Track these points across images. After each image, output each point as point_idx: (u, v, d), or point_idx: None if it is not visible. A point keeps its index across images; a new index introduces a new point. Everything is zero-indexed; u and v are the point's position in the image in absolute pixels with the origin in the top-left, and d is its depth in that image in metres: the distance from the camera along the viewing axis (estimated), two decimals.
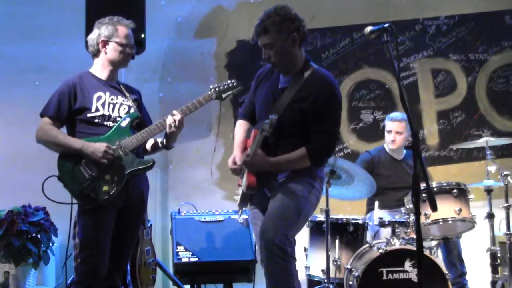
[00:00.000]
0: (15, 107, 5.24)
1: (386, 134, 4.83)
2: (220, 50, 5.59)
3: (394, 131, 4.74)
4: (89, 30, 3.49)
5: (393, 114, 4.84)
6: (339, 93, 3.09)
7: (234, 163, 3.14)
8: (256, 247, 3.29)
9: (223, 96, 3.37)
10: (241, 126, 3.32)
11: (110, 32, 3.31)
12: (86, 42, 3.43)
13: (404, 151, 4.85)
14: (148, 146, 3.48)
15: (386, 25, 2.69)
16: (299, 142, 3.01)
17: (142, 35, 4.63)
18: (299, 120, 3.02)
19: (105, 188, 3.16)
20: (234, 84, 3.40)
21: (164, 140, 3.38)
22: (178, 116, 3.25)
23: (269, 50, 3.04)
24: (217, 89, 3.36)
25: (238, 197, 3.20)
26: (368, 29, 2.77)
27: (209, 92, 3.35)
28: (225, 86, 3.37)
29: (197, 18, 5.63)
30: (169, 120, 3.25)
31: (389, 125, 4.78)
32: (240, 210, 3.39)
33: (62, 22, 5.24)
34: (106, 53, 3.33)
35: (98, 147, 3.15)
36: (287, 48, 3.03)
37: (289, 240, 2.96)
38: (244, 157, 3.03)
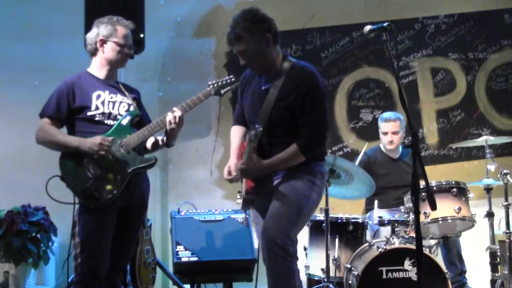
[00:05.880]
0: (15, 107, 5.24)
1: (381, 136, 4.80)
2: (220, 50, 5.59)
3: (390, 132, 4.72)
4: (88, 29, 3.48)
5: (386, 115, 4.82)
6: (322, 82, 3.08)
7: (229, 173, 3.13)
8: (258, 246, 3.30)
9: (222, 92, 3.37)
10: (236, 132, 3.31)
11: (109, 32, 3.31)
12: (85, 40, 3.43)
13: (400, 149, 4.84)
14: (149, 144, 3.47)
15: (385, 24, 2.70)
16: (292, 140, 3.01)
17: (141, 35, 4.62)
18: (288, 117, 3.02)
19: (109, 187, 3.16)
20: (233, 79, 3.40)
21: (165, 138, 3.38)
22: (178, 113, 3.25)
23: (245, 56, 3.03)
24: (215, 85, 3.36)
25: (240, 201, 3.21)
26: (368, 28, 2.77)
27: (208, 89, 3.35)
28: (224, 82, 3.38)
29: (197, 17, 5.64)
30: (169, 117, 3.25)
31: (384, 126, 4.76)
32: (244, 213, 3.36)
33: (61, 22, 5.24)
34: (103, 52, 3.33)
35: (93, 141, 3.15)
36: (262, 50, 3.03)
37: (290, 239, 2.96)
38: (239, 165, 3.03)
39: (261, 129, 2.89)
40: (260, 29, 3.01)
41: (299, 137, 3.00)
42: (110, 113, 3.28)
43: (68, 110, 3.26)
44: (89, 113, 3.25)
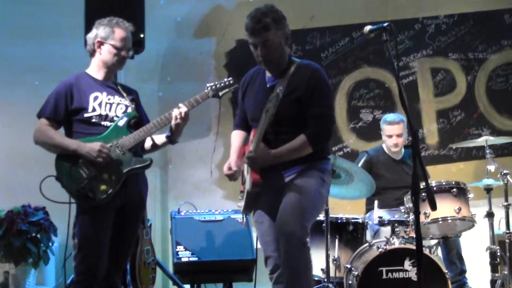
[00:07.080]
0: (15, 107, 5.24)
1: (386, 138, 4.76)
2: (220, 50, 5.60)
3: (395, 135, 4.69)
4: (88, 30, 3.48)
5: (389, 117, 4.77)
6: (327, 77, 3.14)
7: (229, 168, 3.14)
8: (258, 246, 3.29)
9: (220, 94, 3.38)
10: (236, 135, 3.32)
11: (107, 34, 3.30)
12: (85, 40, 3.43)
13: (403, 150, 4.83)
14: (147, 145, 3.48)
15: (385, 24, 2.70)
16: (298, 135, 3.02)
17: (142, 35, 4.62)
18: (295, 112, 3.03)
19: (103, 187, 3.16)
20: (231, 82, 3.41)
21: (170, 134, 3.38)
22: (184, 108, 3.27)
23: (264, 48, 3.03)
24: (213, 87, 3.37)
25: (241, 203, 3.19)
26: (368, 28, 2.78)
27: (206, 91, 3.36)
28: (222, 84, 3.38)
29: (197, 17, 5.64)
30: (175, 112, 3.26)
31: (388, 129, 4.72)
32: (244, 217, 3.33)
33: (61, 22, 5.24)
34: (100, 54, 3.33)
35: (92, 146, 3.15)
36: (282, 45, 3.08)
37: (307, 233, 2.99)
38: (247, 153, 3.02)
39: (281, 88, 2.91)
40: (285, 25, 3.08)
41: (307, 129, 3.02)
42: (107, 115, 3.28)
43: (66, 112, 3.26)
44: (86, 115, 3.25)
